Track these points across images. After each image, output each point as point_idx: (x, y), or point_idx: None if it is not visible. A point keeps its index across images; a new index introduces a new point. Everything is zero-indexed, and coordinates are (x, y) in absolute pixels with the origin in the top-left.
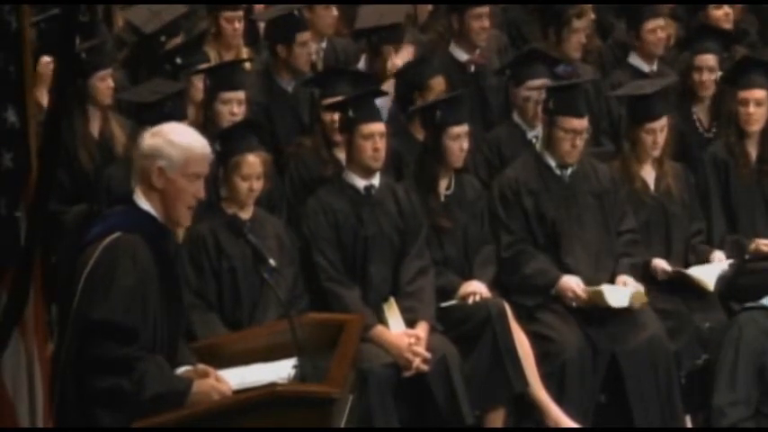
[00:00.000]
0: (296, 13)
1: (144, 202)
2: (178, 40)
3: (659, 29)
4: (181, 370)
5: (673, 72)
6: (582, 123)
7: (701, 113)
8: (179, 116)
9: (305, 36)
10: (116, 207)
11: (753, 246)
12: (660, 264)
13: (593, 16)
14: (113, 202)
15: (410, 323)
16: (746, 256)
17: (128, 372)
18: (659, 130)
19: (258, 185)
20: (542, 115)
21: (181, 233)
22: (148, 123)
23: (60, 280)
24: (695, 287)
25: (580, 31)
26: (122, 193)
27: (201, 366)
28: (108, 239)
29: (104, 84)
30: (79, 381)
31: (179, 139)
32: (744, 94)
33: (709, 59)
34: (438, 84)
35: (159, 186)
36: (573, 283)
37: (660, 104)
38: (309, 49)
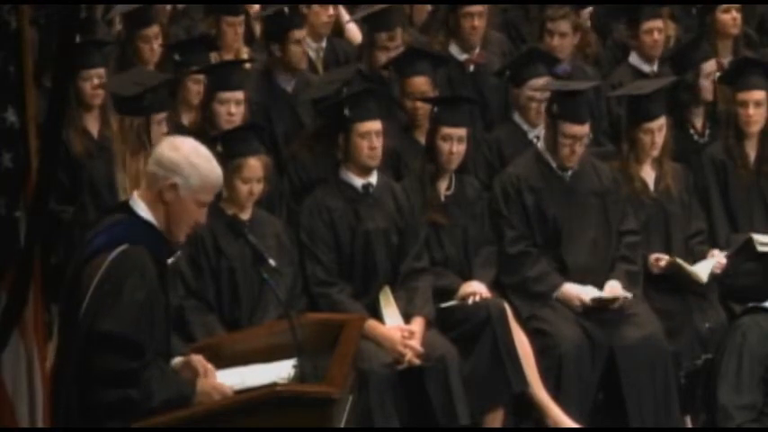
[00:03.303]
0: (286, 10)
1: (144, 210)
2: None
3: (656, 30)
4: (176, 360)
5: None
6: (583, 130)
7: (694, 118)
8: (159, 109)
9: (299, 33)
10: (115, 215)
11: None
12: (655, 257)
13: (577, 19)
14: (111, 209)
15: (406, 319)
16: None
17: (135, 383)
18: (657, 130)
19: (258, 188)
20: (545, 116)
21: None
22: (130, 114)
23: (64, 281)
24: (689, 280)
25: (558, 33)
26: (117, 202)
27: (196, 358)
28: (115, 252)
29: (88, 84)
30: (84, 393)
31: (200, 162)
32: (743, 95)
33: (712, 64)
34: (420, 83)
35: (167, 200)
36: (575, 292)
37: (658, 105)
38: (303, 47)
